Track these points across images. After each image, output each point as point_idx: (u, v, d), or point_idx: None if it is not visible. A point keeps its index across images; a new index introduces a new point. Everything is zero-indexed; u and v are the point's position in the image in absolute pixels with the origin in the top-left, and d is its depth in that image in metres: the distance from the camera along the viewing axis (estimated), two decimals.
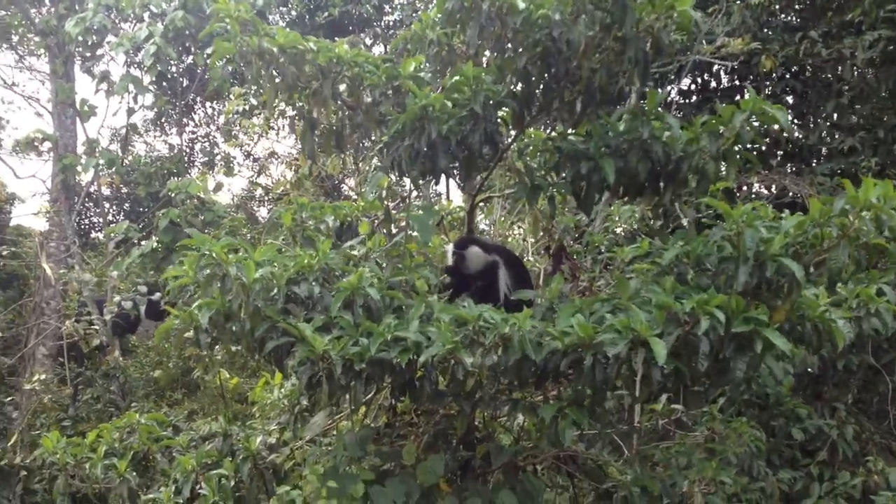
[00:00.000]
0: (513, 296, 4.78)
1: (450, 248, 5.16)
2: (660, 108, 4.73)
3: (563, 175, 4.73)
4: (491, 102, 4.56)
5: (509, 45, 4.55)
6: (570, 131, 4.87)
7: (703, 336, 3.68)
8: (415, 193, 5.80)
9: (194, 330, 4.38)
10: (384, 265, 4.81)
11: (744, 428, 5.74)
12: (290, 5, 17.64)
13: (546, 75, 4.57)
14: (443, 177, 4.81)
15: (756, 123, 4.53)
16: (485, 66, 4.81)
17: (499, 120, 4.71)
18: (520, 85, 4.69)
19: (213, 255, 4.13)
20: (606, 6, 4.28)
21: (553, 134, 5.06)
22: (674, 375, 3.86)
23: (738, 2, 11.06)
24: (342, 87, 4.93)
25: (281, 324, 4.09)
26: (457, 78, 4.57)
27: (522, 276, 5.16)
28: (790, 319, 4.06)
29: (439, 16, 4.74)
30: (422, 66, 4.88)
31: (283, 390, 5.86)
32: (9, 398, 11.47)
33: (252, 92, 11.67)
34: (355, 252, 4.91)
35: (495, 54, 4.67)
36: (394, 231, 5.66)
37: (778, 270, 3.86)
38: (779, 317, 3.93)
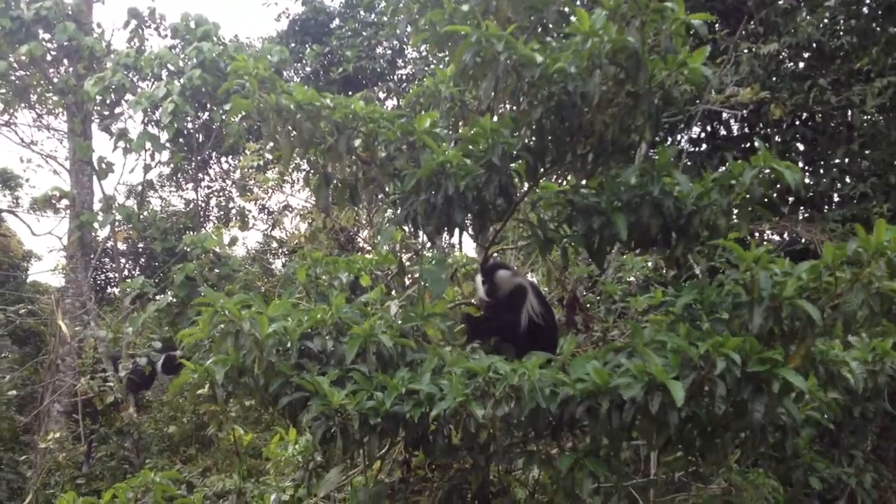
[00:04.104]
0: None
1: (478, 277, 5.20)
2: (671, 159, 4.75)
3: (575, 228, 4.74)
4: (506, 154, 4.58)
5: (524, 98, 4.60)
6: (582, 183, 4.90)
7: (718, 378, 3.67)
8: (428, 246, 5.83)
9: (210, 385, 4.38)
10: (395, 314, 4.81)
11: (761, 479, 5.64)
12: (304, 61, 17.94)
13: (560, 128, 4.61)
14: (456, 229, 4.83)
15: (767, 171, 4.54)
16: (499, 119, 4.86)
17: (512, 172, 4.75)
18: (533, 138, 4.74)
19: (227, 311, 4.15)
20: (621, 61, 4.33)
21: (566, 186, 5.09)
22: (691, 420, 3.83)
23: (747, 51, 11.17)
24: (357, 143, 4.99)
25: (295, 378, 4.10)
26: (474, 130, 4.61)
27: (547, 308, 5.17)
28: (805, 365, 4.04)
29: (453, 71, 4.80)
30: (436, 122, 4.93)
31: (297, 446, 5.83)
32: (23, 457, 11.46)
33: (267, 147, 11.81)
34: (368, 307, 4.92)
35: (511, 108, 4.72)
36: (407, 283, 5.68)
37: (793, 314, 3.85)
38: (794, 362, 3.91)
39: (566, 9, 5.18)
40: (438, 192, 4.50)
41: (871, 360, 4.73)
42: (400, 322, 4.55)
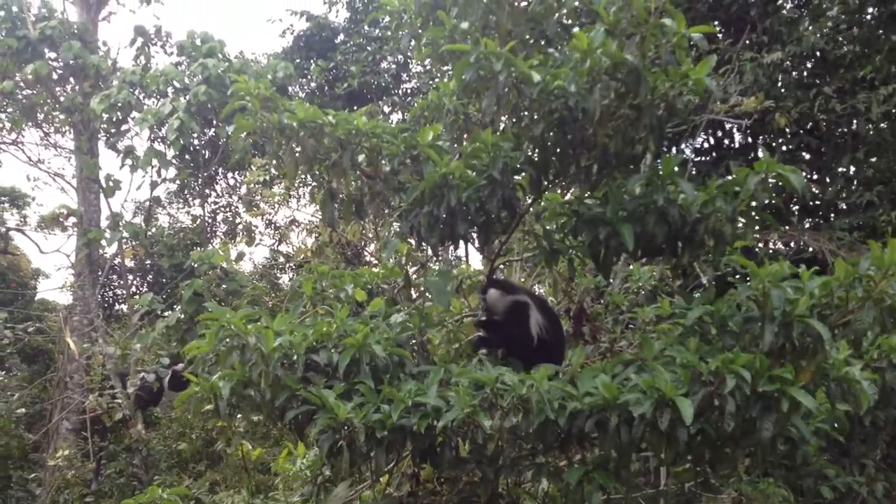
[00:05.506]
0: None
1: (481, 296, 5.16)
2: (675, 168, 4.74)
3: (581, 239, 4.73)
4: (508, 168, 4.59)
5: (525, 114, 4.60)
6: (587, 194, 4.89)
7: (728, 396, 3.65)
8: (434, 259, 5.83)
9: (214, 399, 4.37)
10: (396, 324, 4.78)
11: (772, 489, 5.61)
12: (309, 77, 18.01)
13: (562, 142, 4.60)
14: (461, 241, 4.83)
15: (772, 181, 4.53)
16: (501, 133, 4.86)
17: (516, 185, 4.75)
18: (536, 151, 4.74)
19: (232, 326, 4.16)
20: (621, 76, 4.31)
21: (570, 197, 5.08)
22: (700, 436, 3.82)
23: (750, 61, 11.16)
24: (361, 158, 4.99)
25: (301, 392, 4.09)
26: (475, 145, 4.62)
27: (554, 320, 5.12)
28: (815, 380, 4.02)
29: (456, 85, 4.81)
30: (439, 135, 4.93)
31: (305, 461, 5.82)
32: (32, 475, 11.47)
33: (273, 164, 11.84)
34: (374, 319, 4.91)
35: (512, 122, 4.72)
36: (414, 296, 5.68)
37: (804, 331, 3.84)
38: (804, 377, 3.89)
39: (568, 20, 5.19)
40: (441, 204, 4.51)
41: (877, 356, 4.70)
42: (397, 332, 4.54)
